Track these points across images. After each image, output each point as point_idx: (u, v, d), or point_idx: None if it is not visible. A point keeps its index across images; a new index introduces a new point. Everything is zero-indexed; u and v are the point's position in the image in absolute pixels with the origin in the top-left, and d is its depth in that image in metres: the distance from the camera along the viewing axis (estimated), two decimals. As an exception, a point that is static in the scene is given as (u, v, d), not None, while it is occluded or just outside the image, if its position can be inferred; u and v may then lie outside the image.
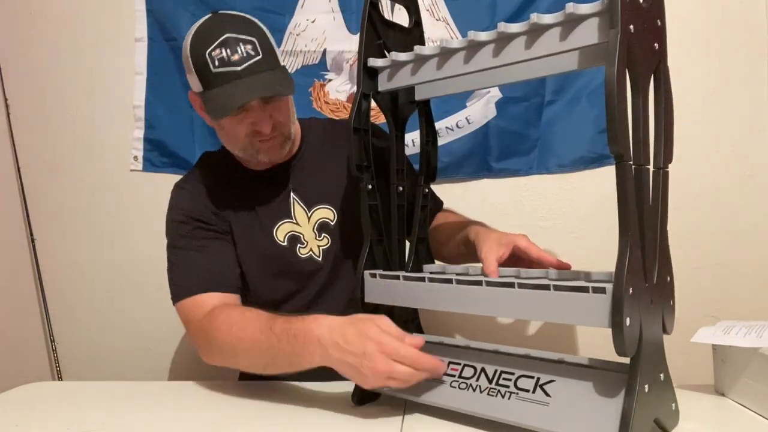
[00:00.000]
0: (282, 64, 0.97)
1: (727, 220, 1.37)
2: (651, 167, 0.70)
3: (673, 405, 0.69)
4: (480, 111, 1.39)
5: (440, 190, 1.22)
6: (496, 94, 1.38)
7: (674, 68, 1.49)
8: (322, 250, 1.03)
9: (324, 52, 1.42)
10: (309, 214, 1.03)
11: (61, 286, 1.51)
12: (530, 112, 1.39)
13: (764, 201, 1.36)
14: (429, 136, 0.94)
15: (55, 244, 1.51)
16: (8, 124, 1.49)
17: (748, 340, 0.75)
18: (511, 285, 0.68)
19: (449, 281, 0.74)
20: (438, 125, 1.38)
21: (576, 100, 1.38)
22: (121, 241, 1.50)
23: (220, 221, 1.00)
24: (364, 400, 0.82)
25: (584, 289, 0.62)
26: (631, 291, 0.59)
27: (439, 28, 1.39)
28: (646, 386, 0.61)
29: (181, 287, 0.96)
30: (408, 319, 0.90)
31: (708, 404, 0.79)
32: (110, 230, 1.50)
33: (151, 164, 1.48)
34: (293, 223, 1.02)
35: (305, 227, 1.03)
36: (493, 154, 1.41)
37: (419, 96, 0.90)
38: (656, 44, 0.70)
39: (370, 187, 0.84)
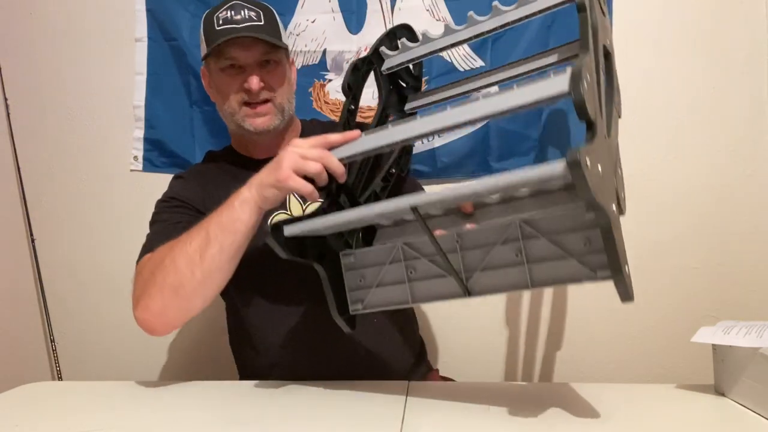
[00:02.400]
0: (287, 45, 1.03)
1: (727, 220, 1.37)
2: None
3: None
4: (480, 111, 1.39)
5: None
6: (496, 94, 1.38)
7: (674, 68, 1.50)
8: None
9: (324, 52, 1.42)
10: (304, 207, 1.04)
11: (61, 286, 1.51)
12: (530, 112, 1.39)
13: (764, 201, 1.36)
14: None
15: (55, 244, 1.51)
16: (8, 124, 1.49)
17: (748, 340, 0.75)
18: (476, 99, 0.67)
19: (413, 117, 0.73)
20: (438, 125, 1.39)
21: (576, 100, 1.38)
22: (121, 241, 1.50)
23: (207, 206, 0.99)
24: (353, 324, 0.82)
25: (546, 73, 0.62)
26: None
27: (438, 28, 1.38)
28: None
29: (143, 249, 0.96)
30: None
31: (708, 404, 0.79)
32: (110, 230, 1.50)
33: (151, 164, 1.48)
34: (287, 214, 1.04)
35: None
36: (493, 154, 1.40)
37: (409, 107, 0.93)
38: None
39: (352, 107, 0.86)
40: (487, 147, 1.40)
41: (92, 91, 1.50)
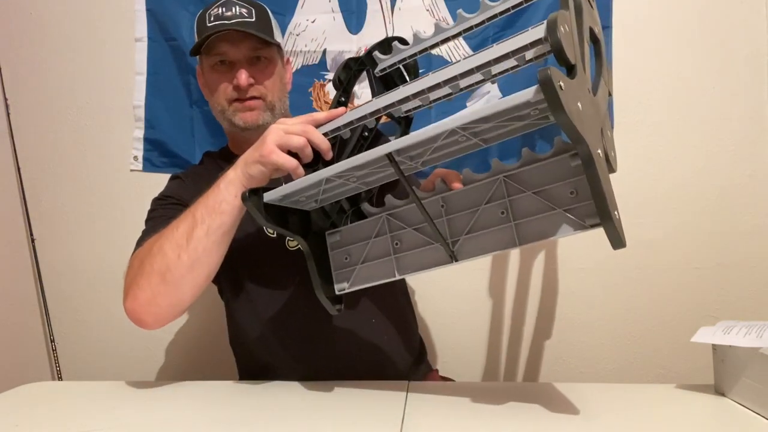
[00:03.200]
0: (279, 42, 1.03)
1: (727, 220, 1.37)
2: None
3: None
4: (480, 111, 1.39)
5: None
6: (496, 94, 1.38)
7: (675, 69, 1.50)
8: None
9: (324, 52, 1.42)
10: None
11: (61, 286, 1.51)
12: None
13: (764, 201, 1.36)
14: None
15: (55, 244, 1.51)
16: (8, 124, 1.49)
17: (748, 340, 0.75)
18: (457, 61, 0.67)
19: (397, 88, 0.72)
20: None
21: (576, 100, 1.38)
22: (122, 241, 1.49)
23: None
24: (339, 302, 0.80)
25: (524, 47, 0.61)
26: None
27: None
28: None
29: (136, 245, 0.94)
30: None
31: (708, 404, 0.79)
32: (110, 230, 1.50)
33: (151, 164, 1.48)
34: None
35: None
36: (493, 154, 1.40)
37: (401, 111, 0.92)
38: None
39: (342, 99, 0.86)
40: (487, 147, 1.40)
41: (92, 91, 1.50)
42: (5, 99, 1.49)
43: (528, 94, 0.54)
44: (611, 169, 0.68)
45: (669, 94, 1.37)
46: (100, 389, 0.98)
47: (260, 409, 0.84)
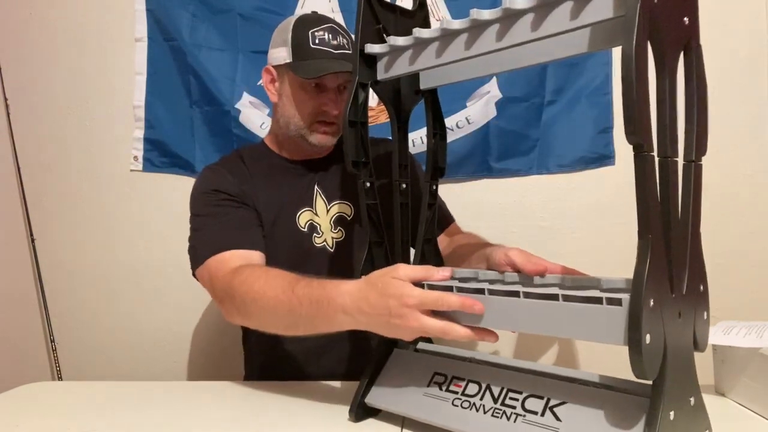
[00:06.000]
0: None
1: (727, 219, 1.37)
2: (680, 160, 0.59)
3: None
4: (480, 111, 1.39)
5: (440, 190, 1.22)
6: (496, 94, 1.38)
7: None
8: (336, 242, 1.06)
9: (324, 52, 1.42)
10: (328, 207, 1.07)
11: (61, 286, 1.51)
12: (530, 112, 1.39)
13: (764, 201, 1.36)
14: (436, 128, 0.87)
15: (55, 244, 1.51)
16: (8, 124, 1.49)
17: (748, 340, 0.75)
18: (515, 294, 0.61)
19: (449, 289, 0.67)
20: (438, 125, 1.39)
21: (576, 100, 1.38)
22: (121, 241, 1.50)
23: (246, 197, 1.02)
24: (361, 416, 0.77)
25: (597, 300, 0.55)
26: (652, 303, 0.52)
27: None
28: (672, 413, 0.54)
29: (204, 248, 0.95)
30: None
31: (708, 404, 0.79)
32: (110, 230, 1.50)
33: (151, 164, 1.48)
34: (312, 212, 1.06)
35: (323, 218, 1.06)
36: (493, 154, 1.41)
37: (424, 85, 0.85)
38: (686, 18, 0.59)
39: (368, 185, 0.79)
40: (487, 147, 1.40)
41: (92, 91, 1.50)
42: (5, 99, 1.49)
43: None
44: (698, 349, 0.62)
45: (669, 94, 1.37)
46: (100, 389, 0.98)
47: (260, 409, 0.84)
